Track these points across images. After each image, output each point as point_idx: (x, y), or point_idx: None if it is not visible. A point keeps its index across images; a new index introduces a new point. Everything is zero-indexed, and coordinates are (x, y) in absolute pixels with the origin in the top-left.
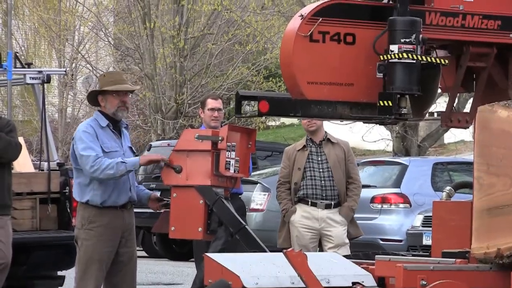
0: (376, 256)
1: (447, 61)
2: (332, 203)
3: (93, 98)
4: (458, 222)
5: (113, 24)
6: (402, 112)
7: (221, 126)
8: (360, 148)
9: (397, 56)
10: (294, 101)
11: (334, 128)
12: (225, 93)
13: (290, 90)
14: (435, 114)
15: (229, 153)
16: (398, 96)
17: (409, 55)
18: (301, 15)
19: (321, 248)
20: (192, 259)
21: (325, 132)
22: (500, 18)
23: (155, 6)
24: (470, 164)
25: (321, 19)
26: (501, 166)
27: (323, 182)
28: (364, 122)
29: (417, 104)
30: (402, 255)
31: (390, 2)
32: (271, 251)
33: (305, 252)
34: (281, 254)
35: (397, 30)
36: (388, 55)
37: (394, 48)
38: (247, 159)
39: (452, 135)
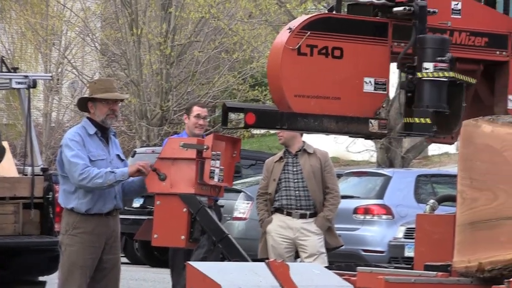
0: (357, 267)
1: (474, 80)
2: (307, 213)
3: (83, 104)
4: (441, 235)
5: (100, 29)
6: (434, 129)
7: (205, 134)
8: (344, 159)
9: (434, 75)
10: (280, 114)
11: (319, 139)
12: (211, 101)
13: (276, 103)
14: None
15: (214, 162)
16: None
17: (445, 73)
18: (290, 28)
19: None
20: None
21: (303, 142)
22: (487, 35)
23: (142, 13)
24: (453, 176)
25: (309, 32)
26: (484, 181)
27: (297, 192)
28: (350, 136)
29: (444, 121)
30: (385, 267)
31: (378, 17)
32: (253, 260)
33: (287, 263)
34: (263, 263)
35: (433, 48)
36: (424, 73)
37: (429, 66)
38: (232, 168)
39: (436, 147)
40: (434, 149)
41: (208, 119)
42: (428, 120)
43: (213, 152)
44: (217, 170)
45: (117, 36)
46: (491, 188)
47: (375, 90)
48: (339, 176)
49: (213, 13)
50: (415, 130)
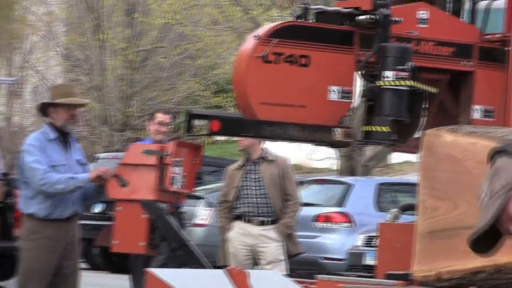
0: (317, 275)
1: (436, 90)
2: (266, 220)
3: (44, 109)
4: (403, 244)
5: (64, 34)
6: (393, 138)
7: (169, 140)
8: (306, 166)
9: (393, 84)
10: (245, 122)
11: (281, 145)
12: (174, 107)
13: (242, 110)
14: None
15: (175, 168)
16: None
17: (406, 82)
18: (256, 36)
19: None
20: None
21: (263, 149)
22: (454, 45)
23: (107, 18)
24: (414, 185)
25: (276, 40)
26: (445, 190)
27: (257, 199)
28: (315, 144)
29: (403, 130)
30: (346, 276)
31: (344, 24)
32: (214, 267)
33: (246, 270)
34: (222, 271)
35: (394, 57)
36: (384, 81)
37: (389, 74)
38: (193, 175)
39: (398, 156)
40: (396, 157)
41: (171, 126)
42: (387, 129)
43: (174, 159)
44: (178, 177)
45: (81, 41)
46: (452, 198)
47: (340, 98)
48: (301, 183)
49: (178, 19)
50: (374, 138)
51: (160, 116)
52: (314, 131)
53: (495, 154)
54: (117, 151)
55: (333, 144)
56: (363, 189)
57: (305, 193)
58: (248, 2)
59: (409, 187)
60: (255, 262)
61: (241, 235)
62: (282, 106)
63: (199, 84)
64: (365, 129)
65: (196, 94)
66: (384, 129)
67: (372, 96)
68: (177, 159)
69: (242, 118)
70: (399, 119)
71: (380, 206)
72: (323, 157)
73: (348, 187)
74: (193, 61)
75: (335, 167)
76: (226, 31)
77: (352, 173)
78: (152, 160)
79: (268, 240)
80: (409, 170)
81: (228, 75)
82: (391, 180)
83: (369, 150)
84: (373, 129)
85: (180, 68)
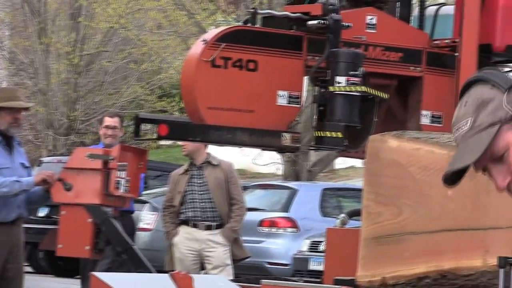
0: (261, 280)
1: (387, 95)
2: (213, 224)
3: None
4: (350, 249)
5: (9, 37)
6: (345, 143)
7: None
8: (251, 171)
9: (346, 89)
10: (193, 126)
11: (225, 150)
12: (119, 111)
13: (190, 115)
14: None
15: (120, 172)
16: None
17: (358, 87)
18: (204, 40)
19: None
20: (78, 276)
21: (208, 154)
22: (402, 51)
23: (51, 22)
24: (359, 190)
25: (224, 44)
26: (389, 196)
27: (202, 204)
28: (263, 149)
29: (354, 135)
30: (293, 281)
31: (292, 30)
32: (158, 271)
33: (192, 274)
34: (166, 275)
35: (346, 62)
36: (337, 87)
37: (341, 80)
38: (138, 179)
39: (343, 161)
40: (341, 163)
41: (120, 129)
42: (340, 134)
43: (119, 163)
44: (122, 181)
45: (25, 44)
46: (396, 203)
47: (288, 103)
48: (245, 188)
49: (122, 24)
50: (326, 144)
51: (107, 120)
52: (262, 136)
53: (474, 83)
54: (61, 155)
55: (281, 149)
56: (308, 194)
57: (250, 198)
58: (193, 7)
59: (354, 193)
60: (202, 266)
61: (187, 239)
62: (230, 110)
63: (143, 89)
64: (317, 135)
65: (140, 98)
66: (336, 134)
67: (323, 101)
68: (122, 163)
69: (190, 123)
70: (351, 125)
71: (325, 211)
72: (267, 162)
73: (293, 192)
74: (138, 66)
75: (279, 172)
76: (170, 35)
77: (296, 178)
78: (97, 164)
79: (215, 245)
80: (354, 176)
81: (173, 80)
82: (336, 185)
83: (314, 155)
84: (325, 134)
85: (125, 72)
